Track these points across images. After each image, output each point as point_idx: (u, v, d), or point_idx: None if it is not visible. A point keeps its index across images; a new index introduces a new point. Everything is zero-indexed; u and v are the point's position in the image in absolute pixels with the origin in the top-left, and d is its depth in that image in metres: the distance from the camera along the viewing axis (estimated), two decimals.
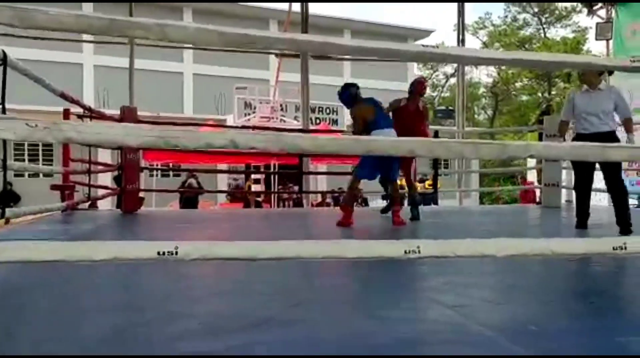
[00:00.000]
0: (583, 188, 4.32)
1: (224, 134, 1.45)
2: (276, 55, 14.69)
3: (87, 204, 6.83)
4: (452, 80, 36.99)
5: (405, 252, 1.49)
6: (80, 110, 6.17)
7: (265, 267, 1.83)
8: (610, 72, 4.12)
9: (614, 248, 1.59)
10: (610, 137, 3.92)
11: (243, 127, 12.64)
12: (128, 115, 6.61)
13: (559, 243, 1.57)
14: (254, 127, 13.02)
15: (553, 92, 32.97)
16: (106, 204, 11.51)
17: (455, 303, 1.99)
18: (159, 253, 1.36)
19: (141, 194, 7.39)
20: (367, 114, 4.96)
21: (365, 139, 1.56)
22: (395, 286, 2.35)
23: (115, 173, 8.79)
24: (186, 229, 4.97)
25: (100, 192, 7.96)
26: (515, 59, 1.70)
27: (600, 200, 12.82)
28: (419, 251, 1.49)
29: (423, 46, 1.56)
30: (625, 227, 3.93)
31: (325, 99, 18.09)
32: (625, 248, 1.60)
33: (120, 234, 4.67)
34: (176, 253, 1.37)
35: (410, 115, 5.50)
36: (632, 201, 9.79)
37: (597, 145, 1.55)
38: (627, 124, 4.12)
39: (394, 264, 2.40)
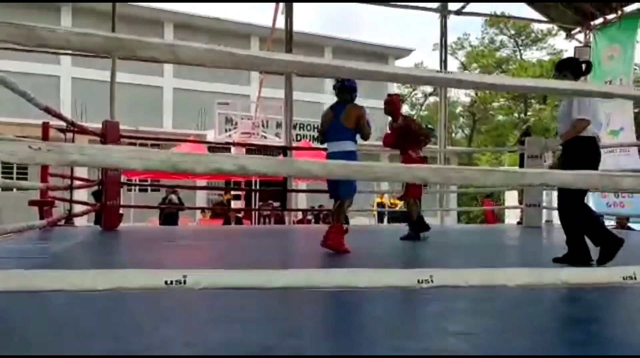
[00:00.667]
0: (588, 214, 3.65)
1: (234, 160, 1.41)
2: (260, 71, 14.69)
3: (64, 221, 6.65)
4: (431, 99, 37.53)
5: (419, 281, 1.46)
6: (62, 123, 6.04)
7: (253, 292, 1.76)
8: (586, 72, 3.84)
9: (623, 278, 1.59)
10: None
11: (227, 144, 12.58)
12: (110, 129, 6.50)
13: (569, 273, 1.55)
14: (235, 144, 12.98)
15: (529, 113, 33.64)
16: (82, 221, 11.27)
17: (459, 331, 1.96)
18: (166, 283, 1.30)
19: (120, 210, 7.24)
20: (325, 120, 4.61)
21: (376, 166, 1.53)
22: (394, 313, 2.31)
23: (94, 188, 8.63)
24: (174, 248, 4.86)
25: (78, 208, 7.78)
26: (532, 86, 1.69)
27: None
28: (432, 281, 1.46)
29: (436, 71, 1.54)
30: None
31: (307, 115, 18.13)
32: (635, 277, 1.59)
33: (108, 253, 4.53)
34: (184, 282, 1.31)
35: (400, 136, 5.48)
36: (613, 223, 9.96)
37: (608, 174, 1.55)
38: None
39: (389, 289, 2.36)
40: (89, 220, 11.08)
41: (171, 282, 1.30)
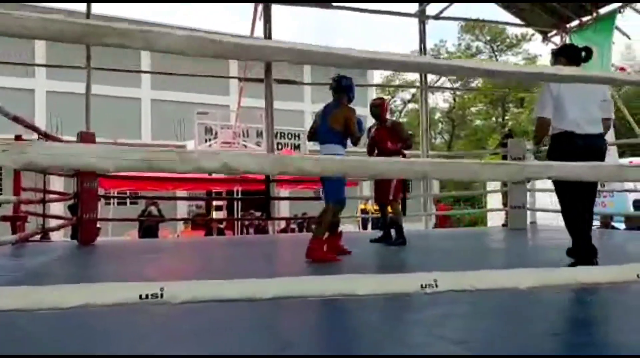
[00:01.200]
0: (584, 213, 3.42)
1: (216, 156, 1.27)
2: (239, 80, 14.55)
3: (38, 236, 6.40)
4: (410, 106, 37.73)
5: (422, 286, 1.33)
6: (35, 136, 5.82)
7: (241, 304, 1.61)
8: (586, 59, 3.62)
9: (638, 276, 1.48)
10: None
11: None
12: (86, 141, 6.28)
13: (583, 272, 1.44)
14: None
15: (507, 117, 34.02)
16: (58, 235, 10.95)
17: (459, 339, 1.84)
18: (141, 297, 1.15)
19: (97, 224, 7.02)
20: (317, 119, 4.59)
21: (374, 161, 1.40)
22: (388, 320, 2.18)
23: (70, 201, 8.36)
24: (151, 261, 4.66)
25: (54, 222, 7.53)
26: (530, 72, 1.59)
27: (559, 221, 13.10)
28: (436, 285, 1.33)
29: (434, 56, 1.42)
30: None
31: (287, 124, 18.01)
32: None
33: (84, 269, 4.32)
34: (161, 295, 1.16)
35: (383, 140, 5.44)
36: (597, 222, 9.99)
37: (617, 165, 1.45)
38: None
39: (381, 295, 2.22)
40: (65, 235, 10.78)
41: (147, 296, 1.15)
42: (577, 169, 1.47)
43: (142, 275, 3.67)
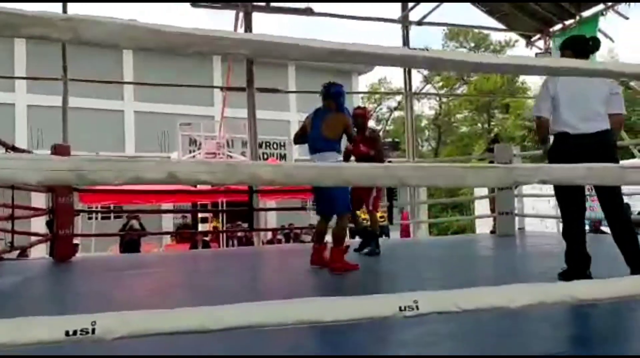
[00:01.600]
0: (578, 218, 3.30)
1: (160, 166, 1.09)
2: (222, 89, 14.39)
3: (15, 253, 6.17)
4: (396, 113, 37.75)
5: (400, 309, 1.16)
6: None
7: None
8: (594, 50, 3.47)
9: None
10: None
11: None
12: (60, 154, 6.07)
13: (580, 288, 1.28)
14: None
15: (492, 123, 34.16)
16: (40, 252, 10.66)
17: None
18: (67, 334, 0.97)
19: (78, 239, 6.78)
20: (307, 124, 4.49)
21: (348, 166, 1.24)
22: (368, 343, 2.01)
23: (47, 217, 8.10)
24: (125, 278, 4.45)
25: (31, 239, 7.28)
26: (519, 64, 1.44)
27: (546, 226, 13.02)
28: (417, 308, 1.17)
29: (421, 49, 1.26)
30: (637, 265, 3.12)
31: (273, 133, 17.83)
32: None
33: (43, 289, 4.10)
34: (93, 331, 0.98)
35: (357, 146, 5.25)
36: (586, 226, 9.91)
37: (616, 166, 1.30)
38: None
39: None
40: (47, 252, 10.49)
41: (74, 332, 0.97)
42: (570, 172, 1.32)
43: (105, 295, 3.47)
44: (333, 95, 4.38)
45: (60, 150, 6.19)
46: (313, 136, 4.31)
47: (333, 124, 4.21)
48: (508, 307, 1.22)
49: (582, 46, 3.28)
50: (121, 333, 1.00)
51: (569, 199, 3.21)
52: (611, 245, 3.19)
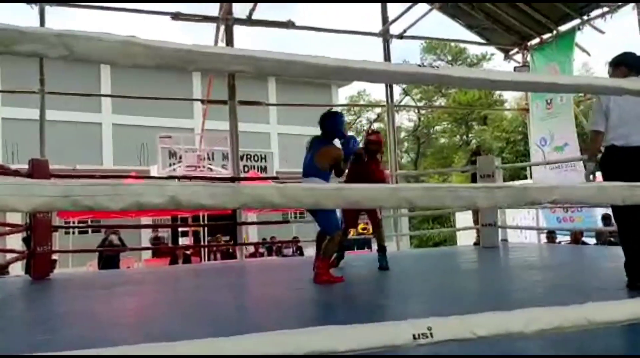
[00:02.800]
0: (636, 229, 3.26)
1: (162, 190, 1.03)
2: (202, 102, 14.29)
3: None
4: (375, 125, 37.95)
5: (415, 337, 1.11)
6: None
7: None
8: None
9: None
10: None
11: (171, 178, 11.98)
12: (37, 168, 5.91)
13: (595, 310, 1.24)
14: (180, 178, 12.40)
15: (471, 135, 34.58)
16: (15, 270, 10.35)
17: None
18: None
19: (55, 256, 6.60)
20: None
21: (348, 187, 1.19)
22: None
23: (24, 234, 7.88)
24: (106, 297, 4.32)
25: (7, 257, 7.06)
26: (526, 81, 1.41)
27: (526, 238, 13.15)
28: (431, 335, 1.11)
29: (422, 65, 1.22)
30: None
31: (253, 146, 17.75)
32: None
33: (21, 309, 3.94)
34: None
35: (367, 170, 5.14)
36: (566, 237, 10.00)
37: (625, 185, 1.28)
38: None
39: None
40: (22, 269, 10.20)
41: None
42: (582, 191, 1.29)
43: (86, 316, 3.35)
44: (327, 127, 4.53)
45: (37, 164, 6.04)
46: (306, 161, 4.52)
47: (324, 156, 4.40)
48: (523, 332, 1.18)
49: (637, 62, 3.31)
50: None
51: (627, 213, 3.21)
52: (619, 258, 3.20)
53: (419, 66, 1.24)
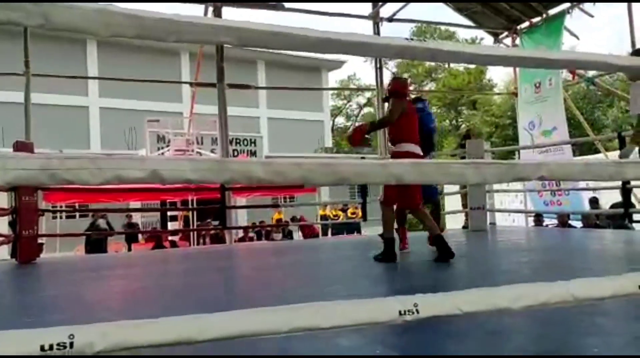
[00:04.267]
0: None
1: (142, 163, 1.01)
2: (191, 85, 14.14)
3: None
4: (365, 109, 37.90)
5: (400, 313, 1.10)
6: None
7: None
8: None
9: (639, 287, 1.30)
10: None
11: None
12: (22, 150, 5.83)
13: (580, 286, 1.24)
14: None
15: (460, 120, 34.63)
16: (1, 254, 10.26)
17: None
18: (43, 349, 0.88)
19: (42, 239, 6.54)
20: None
21: (338, 163, 1.17)
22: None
23: (10, 218, 7.80)
24: (93, 281, 4.29)
25: None
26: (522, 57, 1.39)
27: (513, 221, 13.25)
28: (417, 311, 1.11)
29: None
30: None
31: (242, 130, 17.64)
32: None
33: (7, 294, 3.90)
34: (71, 345, 0.89)
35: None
36: (553, 221, 10.08)
37: (612, 162, 1.28)
38: None
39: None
40: (9, 253, 10.11)
41: (50, 347, 0.88)
42: (569, 168, 1.28)
43: (74, 300, 3.33)
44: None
45: (22, 147, 5.95)
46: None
47: None
48: (510, 308, 1.18)
49: None
50: (102, 346, 0.91)
51: None
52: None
53: (407, 39, 1.21)
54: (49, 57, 14.33)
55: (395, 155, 4.35)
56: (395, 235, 4.53)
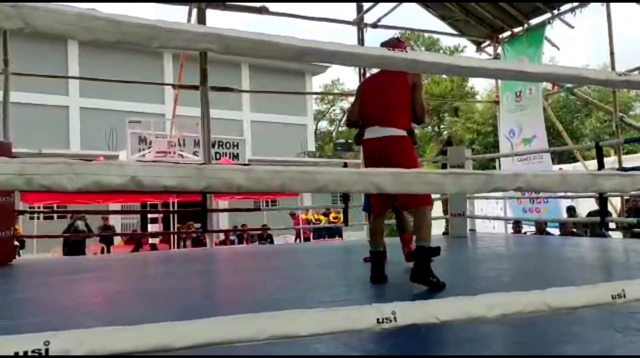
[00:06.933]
0: None
1: (122, 169, 1.00)
2: (173, 87, 14.05)
3: None
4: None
5: (378, 321, 1.11)
6: None
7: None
8: None
9: (613, 297, 1.33)
10: None
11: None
12: (0, 152, 5.74)
13: (555, 295, 1.27)
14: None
15: (442, 126, 34.93)
16: None
17: None
18: (17, 355, 0.87)
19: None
20: None
21: (318, 171, 1.17)
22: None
23: None
24: (70, 284, 4.23)
25: None
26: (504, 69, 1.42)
27: (493, 227, 13.40)
28: (395, 320, 1.12)
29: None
30: None
31: (226, 133, 17.56)
32: (624, 295, 1.34)
33: None
34: (46, 352, 0.88)
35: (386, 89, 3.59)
36: (532, 228, 10.21)
37: (588, 173, 1.30)
38: None
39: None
40: None
41: (25, 353, 0.87)
42: (545, 179, 1.31)
43: (50, 303, 3.28)
44: None
45: (0, 148, 5.86)
46: None
47: None
48: (485, 317, 1.19)
49: None
50: (78, 353, 0.90)
51: None
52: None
53: (389, 49, 1.23)
54: (28, 56, 14.11)
55: None
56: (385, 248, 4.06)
